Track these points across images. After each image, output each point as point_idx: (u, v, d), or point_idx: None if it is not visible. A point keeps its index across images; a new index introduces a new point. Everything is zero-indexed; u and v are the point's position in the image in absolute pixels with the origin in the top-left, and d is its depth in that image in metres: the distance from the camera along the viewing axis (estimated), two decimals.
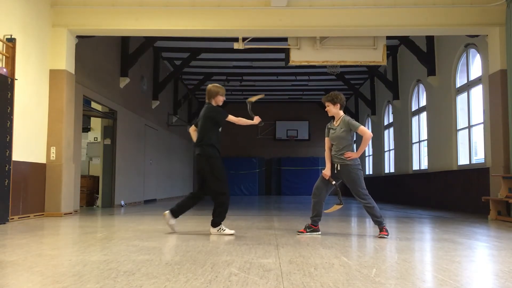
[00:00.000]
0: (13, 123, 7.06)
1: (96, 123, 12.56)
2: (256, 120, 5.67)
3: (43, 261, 3.53)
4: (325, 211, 5.68)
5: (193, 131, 5.75)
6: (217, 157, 5.42)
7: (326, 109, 5.51)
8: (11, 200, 7.00)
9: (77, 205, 9.52)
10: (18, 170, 7.36)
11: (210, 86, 5.62)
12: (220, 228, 5.40)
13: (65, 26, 8.63)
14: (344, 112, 5.51)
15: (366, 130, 5.30)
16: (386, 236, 5.15)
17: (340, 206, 5.56)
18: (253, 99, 5.81)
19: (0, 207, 6.66)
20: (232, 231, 5.44)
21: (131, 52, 12.37)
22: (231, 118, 5.56)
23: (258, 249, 4.23)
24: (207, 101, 5.60)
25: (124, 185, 12.23)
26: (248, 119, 5.69)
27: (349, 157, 5.26)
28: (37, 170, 8.05)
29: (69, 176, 8.66)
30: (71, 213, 8.66)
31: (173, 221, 5.56)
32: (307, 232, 5.47)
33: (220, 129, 5.59)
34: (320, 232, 5.49)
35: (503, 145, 8.14)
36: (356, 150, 5.32)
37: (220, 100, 5.60)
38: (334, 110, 5.43)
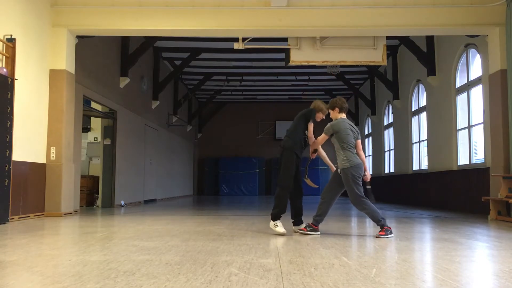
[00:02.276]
0: (13, 123, 7.06)
1: (96, 123, 12.56)
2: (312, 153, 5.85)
3: (43, 261, 3.53)
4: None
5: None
6: (292, 150, 5.53)
7: (330, 117, 5.70)
8: (11, 200, 7.00)
9: (77, 205, 9.52)
10: (18, 170, 7.36)
11: (317, 101, 5.81)
12: (275, 224, 5.47)
13: (65, 26, 8.63)
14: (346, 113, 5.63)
15: (317, 140, 5.57)
16: (382, 236, 5.16)
17: (307, 180, 5.85)
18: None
19: (0, 207, 6.66)
20: (283, 231, 5.39)
21: (131, 52, 12.36)
22: (310, 127, 5.66)
23: (258, 249, 4.23)
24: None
25: (124, 185, 12.23)
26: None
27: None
28: (37, 170, 8.05)
29: (69, 176, 8.66)
30: (71, 213, 8.66)
31: (302, 225, 5.68)
32: (307, 230, 5.48)
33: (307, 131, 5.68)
34: (319, 233, 5.49)
35: (503, 145, 8.13)
36: (352, 154, 5.37)
37: (319, 116, 5.76)
38: (334, 115, 5.64)
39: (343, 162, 5.31)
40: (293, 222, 5.80)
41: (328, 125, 5.49)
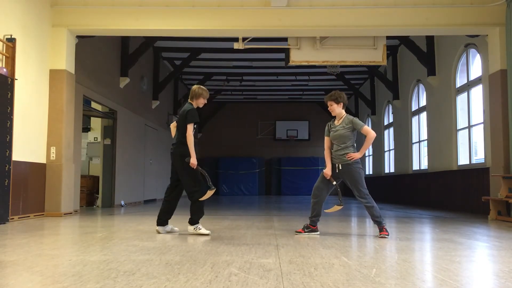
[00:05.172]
0: (13, 123, 7.06)
1: (96, 123, 12.56)
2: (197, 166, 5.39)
3: (43, 261, 3.53)
4: (325, 211, 5.69)
5: (173, 127, 5.65)
6: (189, 155, 5.32)
7: (329, 109, 5.50)
8: (11, 200, 7.00)
9: (77, 205, 9.52)
10: (18, 170, 7.35)
11: (195, 86, 5.59)
12: (196, 227, 5.35)
13: (65, 26, 8.63)
14: (346, 112, 5.54)
15: (369, 130, 5.28)
16: (386, 236, 5.15)
17: (341, 207, 5.57)
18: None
19: (0, 207, 6.66)
20: (208, 231, 5.36)
21: (131, 52, 12.36)
22: (189, 128, 5.36)
23: (258, 249, 4.23)
24: (189, 100, 5.58)
25: (124, 185, 12.23)
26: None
27: (351, 158, 5.25)
28: (37, 170, 8.05)
29: (69, 176, 8.66)
30: (71, 213, 8.66)
31: (168, 228, 5.56)
32: (305, 232, 5.47)
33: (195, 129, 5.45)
34: (318, 232, 5.49)
35: (503, 145, 8.13)
36: (359, 150, 5.33)
37: (201, 102, 5.58)
38: (338, 109, 5.44)
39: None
40: (158, 221, 5.54)
41: (359, 120, 5.36)
